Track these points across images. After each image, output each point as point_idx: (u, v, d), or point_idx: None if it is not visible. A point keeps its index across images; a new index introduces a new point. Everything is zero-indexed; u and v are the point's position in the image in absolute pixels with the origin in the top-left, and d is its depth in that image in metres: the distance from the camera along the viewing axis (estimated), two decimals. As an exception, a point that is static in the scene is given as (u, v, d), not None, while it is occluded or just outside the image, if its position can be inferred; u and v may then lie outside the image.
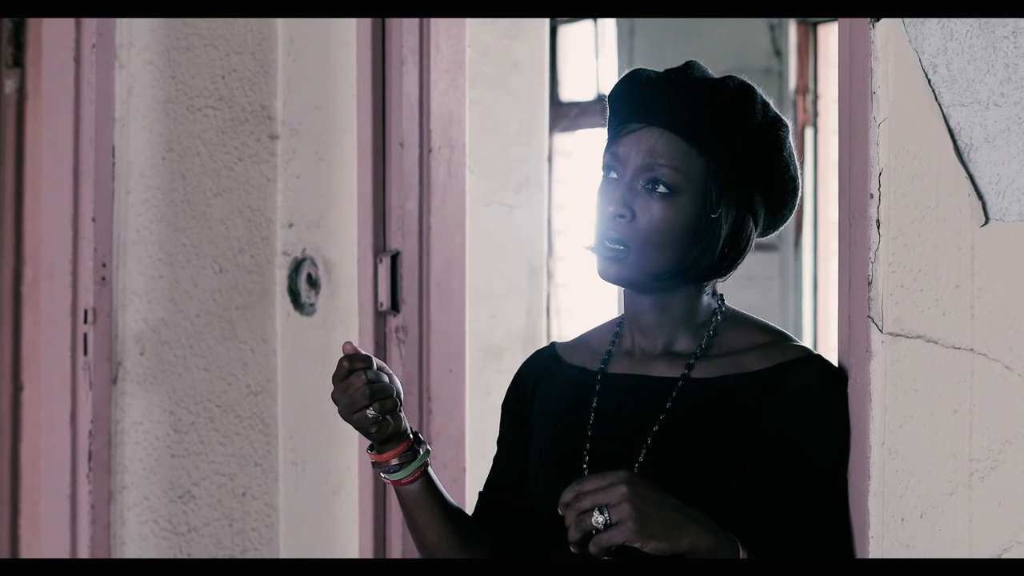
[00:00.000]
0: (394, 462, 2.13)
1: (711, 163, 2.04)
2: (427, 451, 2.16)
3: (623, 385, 2.12)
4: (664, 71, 2.10)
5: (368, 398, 2.06)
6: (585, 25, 7.71)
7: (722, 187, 2.05)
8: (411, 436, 2.14)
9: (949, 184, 1.93)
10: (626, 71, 2.14)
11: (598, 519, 1.87)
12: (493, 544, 2.22)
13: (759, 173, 2.08)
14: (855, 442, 2.03)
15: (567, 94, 7.86)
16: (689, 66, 2.10)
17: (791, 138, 2.12)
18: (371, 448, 2.15)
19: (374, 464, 2.15)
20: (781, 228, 2.18)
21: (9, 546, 4.24)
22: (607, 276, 2.07)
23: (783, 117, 2.11)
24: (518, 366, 2.30)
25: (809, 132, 6.92)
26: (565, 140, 7.86)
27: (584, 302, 7.84)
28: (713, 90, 2.07)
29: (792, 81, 6.92)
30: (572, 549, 1.90)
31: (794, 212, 2.16)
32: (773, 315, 6.73)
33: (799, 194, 2.14)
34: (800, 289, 6.94)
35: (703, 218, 2.05)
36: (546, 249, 3.62)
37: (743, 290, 6.98)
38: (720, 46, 6.86)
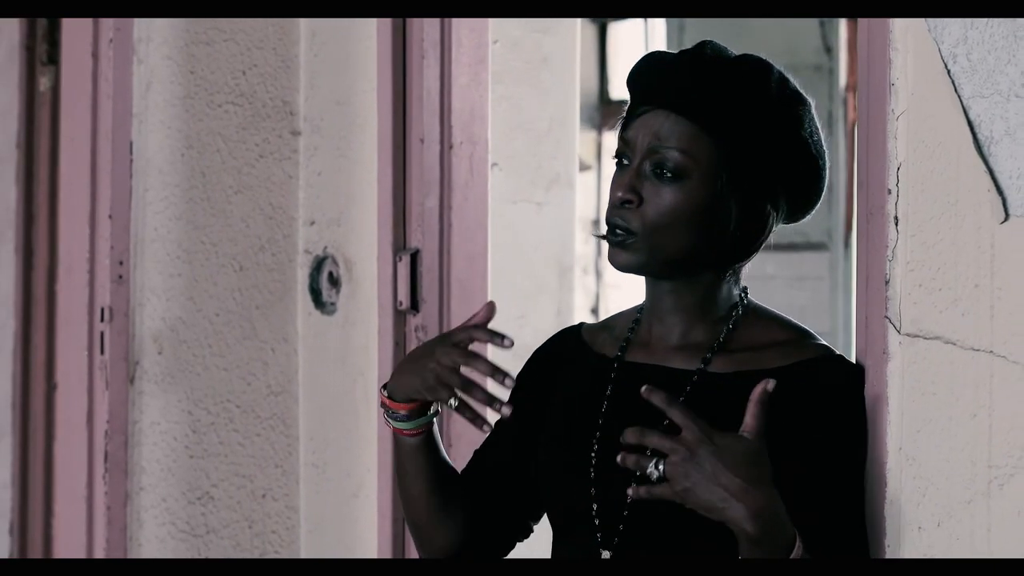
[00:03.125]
0: (403, 412, 2.09)
1: (720, 144, 1.98)
2: (436, 411, 2.11)
3: (638, 375, 2.06)
4: (678, 52, 2.05)
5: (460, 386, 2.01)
6: (635, 22, 7.67)
7: (733, 168, 1.99)
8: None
9: (968, 179, 1.88)
10: (642, 55, 2.09)
11: (651, 470, 1.82)
12: (469, 515, 2.18)
13: (774, 153, 2.00)
14: (871, 447, 1.98)
15: (617, 92, 7.83)
16: (702, 46, 2.04)
17: (813, 114, 2.04)
18: (385, 388, 2.11)
19: (383, 405, 2.11)
20: (811, 213, 2.09)
21: (42, 546, 4.25)
22: (616, 264, 2.02)
23: (804, 95, 2.04)
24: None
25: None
26: (614, 139, 7.82)
27: (634, 302, 7.80)
28: (723, 69, 2.01)
29: (843, 78, 6.86)
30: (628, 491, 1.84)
31: (822, 196, 2.07)
32: (822, 315, 6.67)
33: (824, 176, 2.06)
34: (850, 289, 6.88)
35: (713, 201, 1.99)
36: (576, 248, 3.59)
37: (792, 290, 6.94)
38: (770, 43, 6.79)
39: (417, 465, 2.14)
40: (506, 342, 2.01)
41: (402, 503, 2.21)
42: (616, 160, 2.04)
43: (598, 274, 7.61)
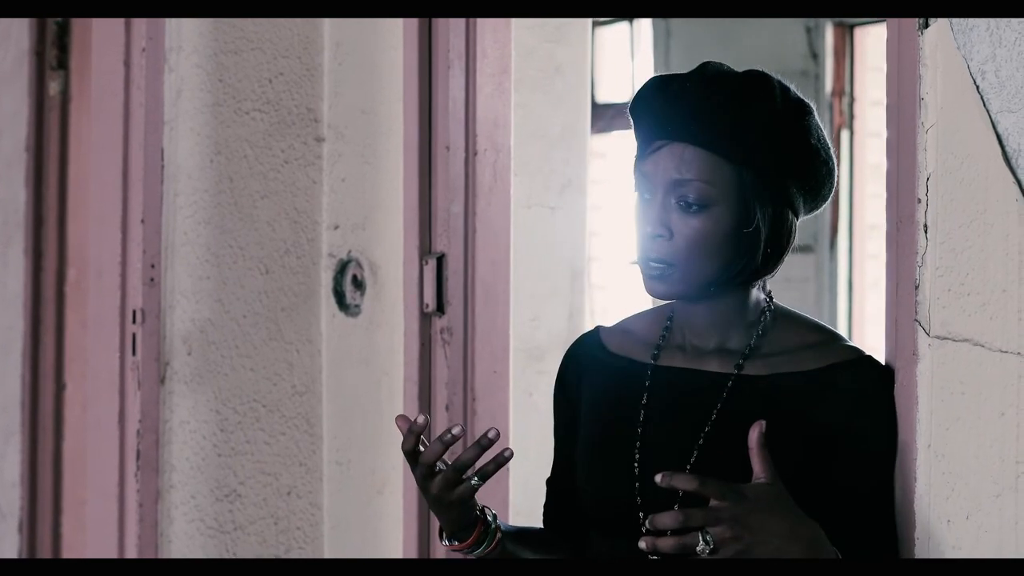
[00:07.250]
0: (472, 544, 2.12)
1: (741, 169, 2.03)
2: (495, 515, 2.14)
3: (674, 379, 2.12)
4: (681, 78, 2.07)
5: (462, 469, 2.03)
6: (621, 27, 7.71)
7: (756, 189, 2.04)
8: (478, 510, 2.12)
9: (997, 189, 1.94)
10: (646, 80, 2.11)
11: (701, 547, 1.84)
12: (574, 544, 2.23)
13: (791, 166, 2.06)
14: (901, 444, 2.05)
15: (603, 96, 7.85)
16: (704, 70, 2.07)
17: (816, 119, 2.09)
18: (446, 538, 2.14)
19: (457, 551, 2.14)
20: (820, 210, 2.15)
21: (51, 546, 4.27)
22: (655, 294, 2.07)
23: (805, 100, 2.09)
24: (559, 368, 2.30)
25: (845, 135, 6.91)
26: (601, 141, 7.85)
27: (620, 304, 7.85)
28: (730, 93, 2.04)
29: (828, 84, 6.91)
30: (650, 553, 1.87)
31: (832, 192, 2.13)
32: (809, 315, 6.71)
33: (836, 171, 2.12)
34: (835, 291, 6.94)
35: (741, 224, 2.04)
36: (586, 251, 3.63)
37: (781, 291, 6.97)
38: (757, 49, 6.86)
39: (511, 553, 2.16)
40: (491, 433, 2.00)
41: None
42: (637, 193, 2.08)
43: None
